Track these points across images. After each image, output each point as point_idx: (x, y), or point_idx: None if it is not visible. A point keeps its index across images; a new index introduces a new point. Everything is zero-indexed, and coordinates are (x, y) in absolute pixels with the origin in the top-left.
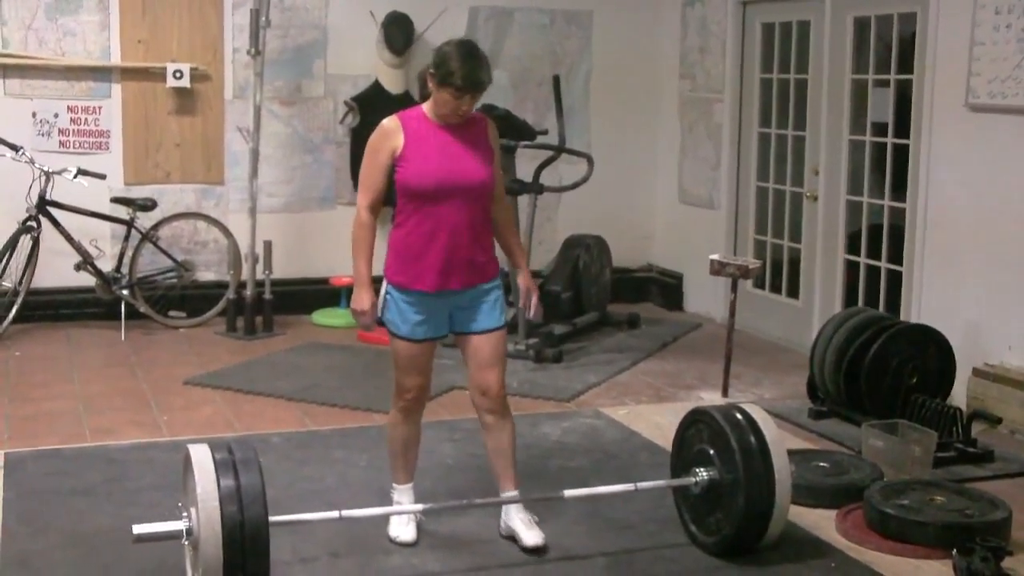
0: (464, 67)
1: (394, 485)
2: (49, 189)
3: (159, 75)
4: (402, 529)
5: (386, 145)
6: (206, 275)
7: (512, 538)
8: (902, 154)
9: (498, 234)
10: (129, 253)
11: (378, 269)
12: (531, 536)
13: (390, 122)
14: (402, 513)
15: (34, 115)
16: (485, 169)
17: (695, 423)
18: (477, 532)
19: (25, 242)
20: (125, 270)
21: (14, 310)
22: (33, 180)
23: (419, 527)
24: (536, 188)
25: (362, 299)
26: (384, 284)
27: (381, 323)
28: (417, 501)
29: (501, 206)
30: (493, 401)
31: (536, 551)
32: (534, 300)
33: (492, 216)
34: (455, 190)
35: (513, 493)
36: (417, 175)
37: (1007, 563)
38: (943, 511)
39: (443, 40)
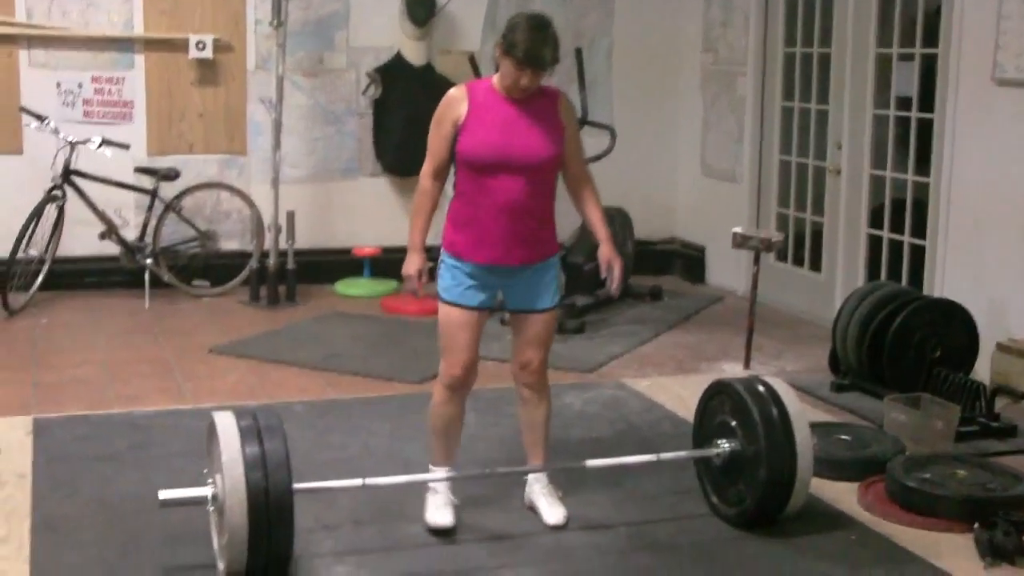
0: (528, 40)
1: (431, 467)
2: (74, 159)
3: (182, 46)
4: (439, 514)
5: (449, 114)
6: (229, 245)
7: (535, 510)
8: (926, 128)
9: (580, 208)
10: (153, 223)
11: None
12: (554, 513)
13: (456, 91)
14: (424, 481)
15: (58, 86)
16: (548, 146)
17: (717, 395)
18: (499, 501)
19: (50, 211)
20: (149, 239)
21: (40, 278)
22: (58, 150)
23: (456, 512)
24: None
25: (412, 263)
26: (441, 252)
27: (428, 291)
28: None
29: (585, 184)
30: (533, 375)
31: (558, 528)
32: (617, 272)
33: (573, 191)
34: (514, 164)
35: (540, 476)
36: (475, 146)
37: None
38: (965, 485)
39: (465, 12)
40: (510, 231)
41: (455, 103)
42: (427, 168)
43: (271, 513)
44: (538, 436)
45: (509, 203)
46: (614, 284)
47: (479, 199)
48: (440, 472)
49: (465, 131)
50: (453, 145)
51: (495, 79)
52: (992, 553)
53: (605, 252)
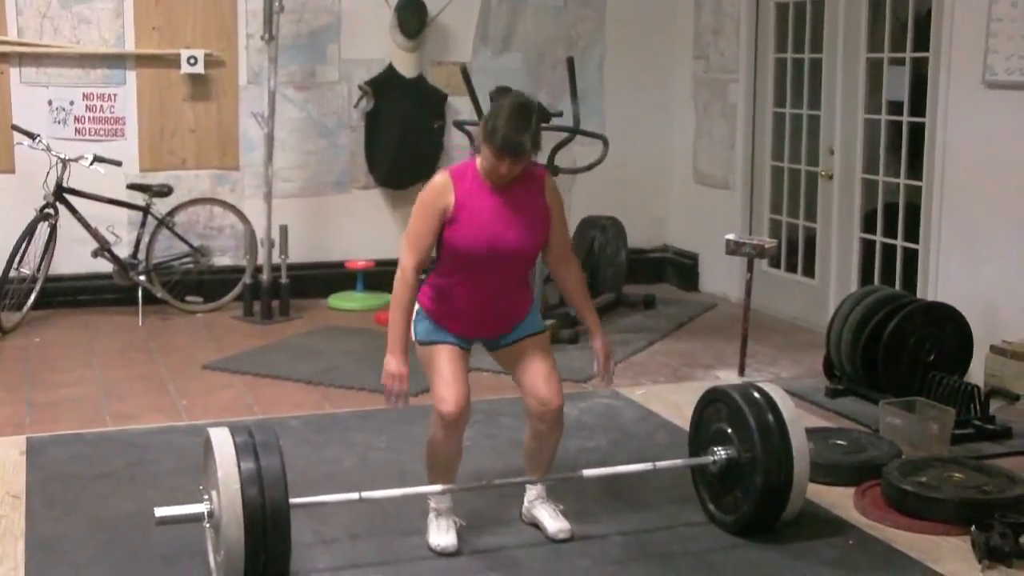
0: (507, 127)
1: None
2: (66, 176)
3: (173, 62)
4: (442, 537)
5: (437, 204)
6: (222, 260)
7: (535, 525)
8: (918, 132)
9: (568, 296)
10: (146, 239)
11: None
12: (558, 527)
13: (441, 179)
14: (420, 494)
15: (50, 103)
16: (536, 237)
17: (713, 402)
18: (496, 513)
19: (43, 229)
20: (142, 256)
21: (33, 297)
22: (50, 168)
23: (459, 534)
24: (551, 170)
25: (398, 362)
26: (418, 305)
27: (415, 394)
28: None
29: (569, 267)
30: (553, 413)
31: (556, 540)
32: (611, 366)
33: (559, 277)
34: (500, 256)
35: (539, 490)
36: (463, 239)
37: None
38: (961, 488)
39: (457, 23)
40: (490, 312)
41: (441, 193)
42: (410, 262)
43: (268, 529)
44: (544, 459)
45: (491, 289)
46: (608, 380)
47: (459, 282)
48: (441, 497)
49: (452, 224)
50: (438, 234)
51: (479, 162)
52: (989, 555)
53: (598, 344)
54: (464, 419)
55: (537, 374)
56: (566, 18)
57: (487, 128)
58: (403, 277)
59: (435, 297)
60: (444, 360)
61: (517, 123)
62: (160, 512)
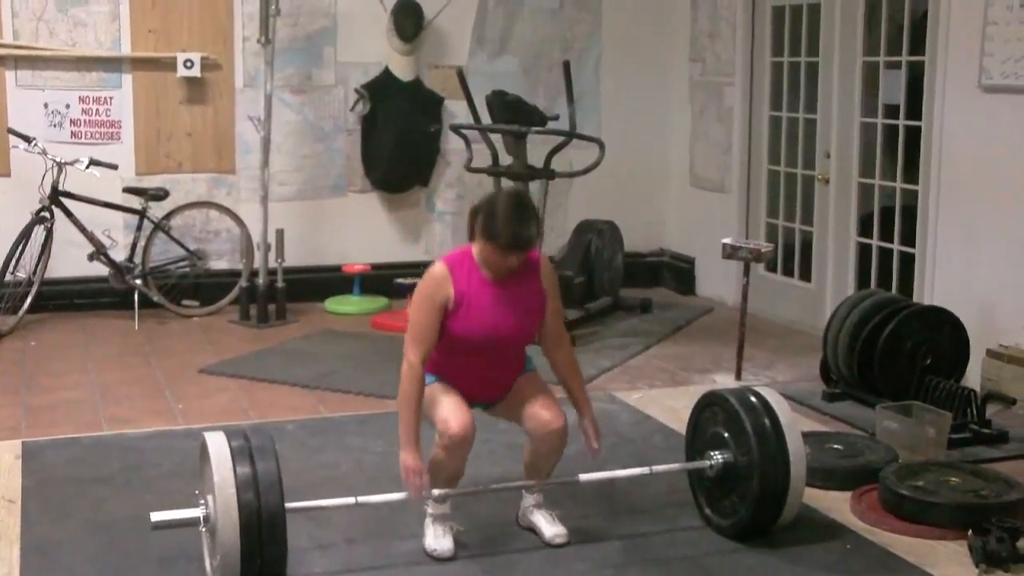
0: (511, 226)
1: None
2: (62, 180)
3: (170, 65)
4: (439, 542)
5: (438, 297)
6: (219, 264)
7: (531, 530)
8: (914, 136)
9: (559, 374)
10: (142, 243)
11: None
12: (555, 532)
13: (440, 271)
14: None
15: (46, 106)
16: (534, 323)
17: (709, 406)
18: (492, 518)
19: (39, 233)
20: (138, 259)
21: (29, 300)
22: (46, 171)
23: (456, 539)
24: (547, 174)
25: (415, 457)
26: None
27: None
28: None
29: (561, 346)
30: (556, 433)
31: (559, 546)
32: (595, 446)
33: (551, 355)
34: (501, 342)
35: (536, 497)
36: (464, 331)
37: (1022, 543)
38: (958, 492)
39: (453, 26)
40: (487, 383)
41: (441, 285)
42: (416, 355)
43: (264, 534)
44: (543, 472)
45: (490, 369)
46: (595, 450)
47: (456, 362)
48: (440, 504)
49: (453, 315)
50: (441, 326)
51: (475, 252)
52: (986, 560)
53: (588, 422)
54: (468, 442)
55: (534, 403)
56: (562, 21)
57: (487, 229)
58: (410, 372)
59: (433, 371)
60: (448, 393)
61: (520, 218)
62: (156, 516)
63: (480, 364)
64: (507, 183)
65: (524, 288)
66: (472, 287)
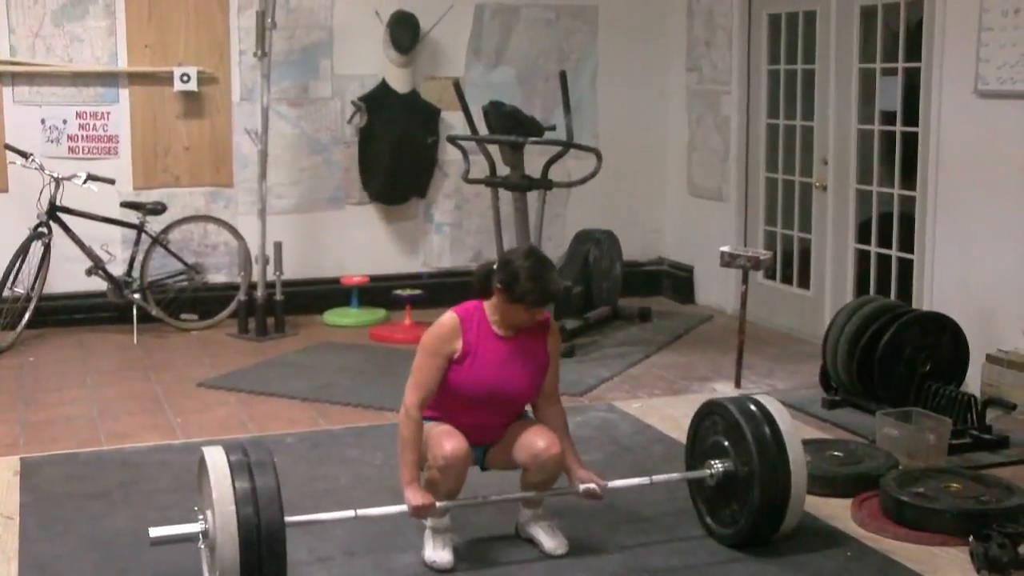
0: (538, 285)
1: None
2: (59, 195)
3: (166, 79)
4: (438, 553)
5: (444, 348)
6: (217, 277)
7: (531, 541)
8: (911, 142)
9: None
10: (140, 257)
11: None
12: (555, 543)
13: (450, 322)
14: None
15: (43, 122)
16: (537, 384)
17: (709, 415)
18: (491, 529)
19: (36, 248)
20: (136, 274)
21: (27, 316)
22: (43, 186)
23: (455, 550)
24: (545, 184)
25: (421, 495)
26: None
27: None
28: None
29: (554, 406)
30: (552, 459)
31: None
32: (600, 489)
33: (543, 414)
34: (502, 400)
35: (535, 509)
36: (468, 385)
37: None
38: (959, 498)
39: (449, 38)
40: (484, 432)
41: (449, 338)
42: (415, 400)
43: (263, 549)
44: (540, 492)
45: (485, 422)
46: (600, 490)
47: (458, 415)
48: (440, 520)
49: (459, 368)
50: (442, 375)
51: (487, 309)
52: (988, 566)
53: (584, 476)
54: (462, 462)
55: (527, 433)
56: (558, 32)
57: (512, 291)
58: (407, 416)
59: (433, 414)
60: (442, 426)
61: (544, 273)
62: (154, 532)
63: (479, 415)
64: (505, 194)
65: (531, 348)
66: (481, 342)
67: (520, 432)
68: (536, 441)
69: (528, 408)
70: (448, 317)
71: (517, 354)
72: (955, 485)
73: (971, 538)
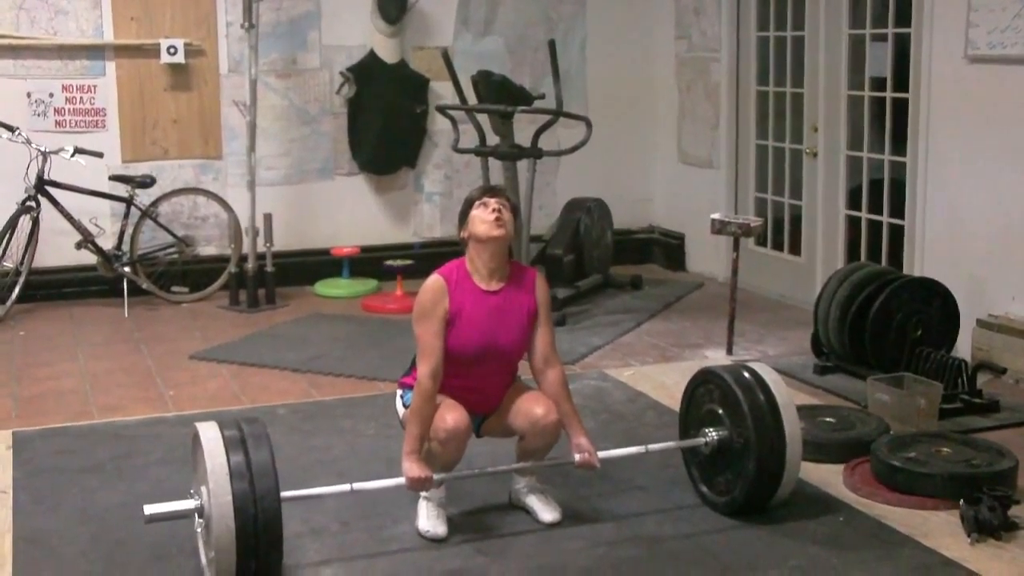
0: (479, 189)
1: None
2: (47, 169)
3: (153, 51)
4: (433, 523)
5: (437, 309)
6: (207, 250)
7: (525, 510)
8: (901, 108)
9: (546, 393)
10: (129, 230)
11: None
12: (549, 512)
13: (434, 283)
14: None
15: (29, 95)
16: (526, 334)
17: (704, 383)
18: (484, 498)
19: (25, 222)
20: (126, 247)
21: (16, 290)
22: (30, 160)
23: (449, 519)
24: (535, 153)
25: (419, 467)
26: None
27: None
28: None
29: (552, 367)
30: (550, 426)
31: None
32: (597, 466)
33: (541, 377)
34: (493, 357)
35: (529, 479)
36: (459, 342)
37: (1014, 511)
38: (950, 462)
39: (437, 7)
40: (476, 398)
41: (439, 297)
42: (425, 369)
43: (259, 524)
44: (538, 458)
45: (481, 384)
46: (597, 466)
47: (452, 378)
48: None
49: (451, 329)
50: (446, 334)
51: (467, 265)
52: (978, 529)
53: (584, 444)
54: (462, 434)
55: (524, 400)
56: (547, 1)
57: (464, 215)
58: (421, 389)
59: None
60: (445, 399)
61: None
62: (149, 509)
63: (473, 376)
64: (495, 163)
65: (517, 302)
66: (467, 299)
67: (517, 398)
68: (534, 408)
69: (530, 377)
70: (432, 279)
71: (505, 306)
72: (946, 449)
73: (961, 502)
